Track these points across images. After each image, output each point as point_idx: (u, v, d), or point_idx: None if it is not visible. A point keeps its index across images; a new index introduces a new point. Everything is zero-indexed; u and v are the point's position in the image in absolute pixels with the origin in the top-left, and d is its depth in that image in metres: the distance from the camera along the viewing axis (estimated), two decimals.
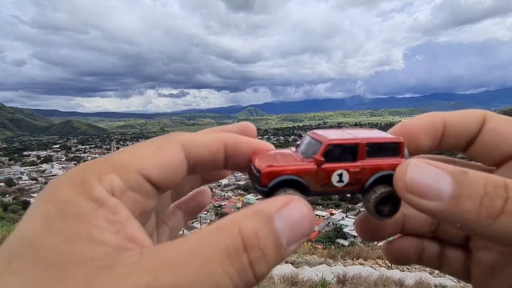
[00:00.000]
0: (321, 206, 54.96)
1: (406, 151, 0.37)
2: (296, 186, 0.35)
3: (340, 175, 0.36)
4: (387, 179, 0.35)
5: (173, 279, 0.22)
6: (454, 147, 0.41)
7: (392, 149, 0.36)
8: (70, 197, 0.25)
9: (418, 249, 0.45)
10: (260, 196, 0.36)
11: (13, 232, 0.25)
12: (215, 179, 0.48)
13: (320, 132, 0.38)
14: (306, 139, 0.39)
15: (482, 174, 0.31)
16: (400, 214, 0.41)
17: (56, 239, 0.23)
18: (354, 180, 0.36)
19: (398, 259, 0.45)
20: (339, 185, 0.36)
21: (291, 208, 0.28)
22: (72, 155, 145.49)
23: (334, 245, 9.76)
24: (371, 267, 6.20)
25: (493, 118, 0.38)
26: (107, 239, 0.24)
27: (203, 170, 0.36)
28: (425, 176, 0.31)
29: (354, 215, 49.23)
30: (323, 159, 0.35)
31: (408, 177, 0.32)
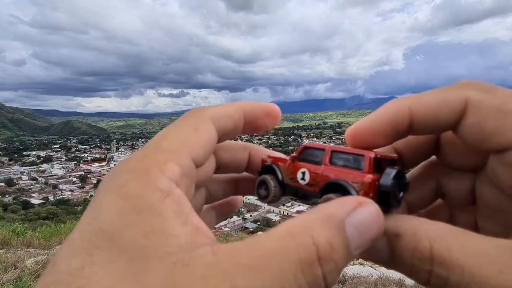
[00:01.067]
0: None
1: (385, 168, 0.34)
2: (273, 174, 0.42)
3: (303, 173, 0.39)
4: (340, 189, 0.35)
5: (249, 285, 0.23)
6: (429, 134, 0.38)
7: (358, 162, 0.35)
8: (139, 191, 0.26)
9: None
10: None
11: (84, 224, 0.26)
12: (248, 192, 0.50)
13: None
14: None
15: (413, 240, 0.29)
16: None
17: (134, 232, 0.24)
18: (314, 182, 0.38)
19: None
20: (302, 182, 0.39)
21: (362, 212, 0.28)
22: (72, 155, 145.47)
23: None
24: (371, 267, 6.20)
25: (477, 109, 0.32)
26: (178, 231, 0.25)
27: (226, 138, 0.39)
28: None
29: None
30: (296, 155, 0.41)
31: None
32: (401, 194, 0.34)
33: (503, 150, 0.31)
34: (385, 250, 0.31)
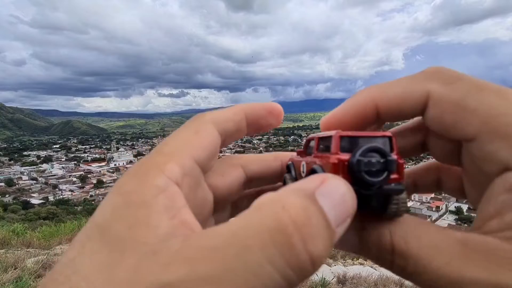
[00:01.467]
0: None
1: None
2: (289, 171, 0.43)
3: (303, 166, 0.38)
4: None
5: (208, 270, 0.21)
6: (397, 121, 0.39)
7: (330, 144, 0.33)
8: (134, 187, 0.27)
9: None
10: None
11: (89, 220, 0.28)
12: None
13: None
14: None
15: (376, 233, 0.31)
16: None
17: (120, 225, 0.25)
18: (308, 173, 0.36)
19: None
20: (303, 175, 0.38)
21: (330, 185, 0.27)
22: (72, 155, 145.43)
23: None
24: (371, 267, 6.20)
25: (437, 103, 0.33)
26: (161, 224, 0.25)
27: (231, 140, 0.38)
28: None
29: None
30: (302, 149, 0.41)
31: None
32: (384, 173, 0.30)
33: (464, 141, 0.33)
34: (355, 240, 0.32)
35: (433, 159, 0.41)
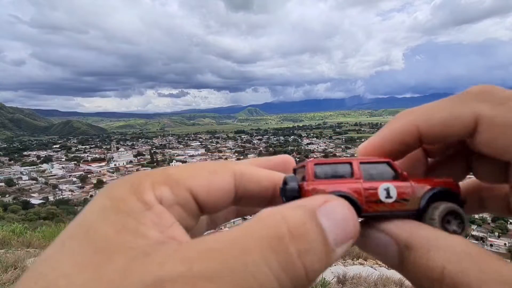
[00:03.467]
0: None
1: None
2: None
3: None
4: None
5: (206, 268, 0.22)
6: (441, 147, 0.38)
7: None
8: (124, 196, 0.28)
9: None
10: None
11: (72, 220, 0.28)
12: (249, 212, 0.47)
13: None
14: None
15: (425, 257, 0.28)
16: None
17: (108, 228, 0.25)
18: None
19: None
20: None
21: (333, 206, 0.27)
22: (72, 155, 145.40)
23: None
24: (371, 267, 6.20)
25: (489, 126, 0.31)
26: (151, 234, 0.25)
27: (248, 203, 0.36)
28: (375, 243, 0.30)
29: None
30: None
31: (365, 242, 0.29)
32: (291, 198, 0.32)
33: None
34: (395, 257, 0.30)
35: (473, 179, 0.39)
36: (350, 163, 0.35)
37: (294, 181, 0.34)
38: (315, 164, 0.35)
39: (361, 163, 0.35)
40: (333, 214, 0.26)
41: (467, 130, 0.32)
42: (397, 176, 0.34)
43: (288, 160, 0.41)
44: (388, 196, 0.34)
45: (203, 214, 0.33)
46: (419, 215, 0.34)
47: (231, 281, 0.21)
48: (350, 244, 0.27)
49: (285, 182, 0.35)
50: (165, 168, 0.32)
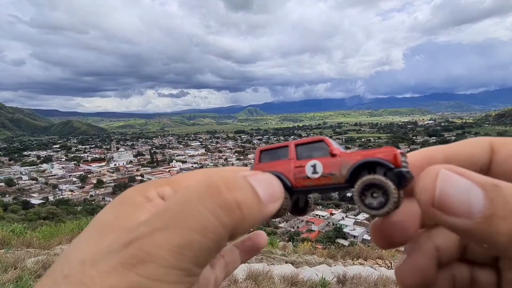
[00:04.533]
0: (321, 206, 54.91)
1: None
2: None
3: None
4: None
5: (160, 222, 0.29)
6: None
7: None
8: (131, 194, 0.36)
9: (430, 272, 0.37)
10: None
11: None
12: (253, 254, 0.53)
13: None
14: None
15: None
16: (417, 215, 0.38)
17: (110, 215, 0.34)
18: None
19: (412, 282, 0.37)
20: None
21: (260, 175, 0.34)
22: (72, 155, 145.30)
23: (334, 245, 9.75)
24: (371, 267, 6.19)
25: (503, 146, 0.34)
26: (144, 217, 0.32)
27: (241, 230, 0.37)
28: (455, 190, 0.28)
29: (354, 215, 49.24)
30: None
31: (437, 191, 0.29)
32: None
33: None
34: (480, 202, 0.28)
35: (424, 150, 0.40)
36: (287, 146, 0.41)
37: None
38: (261, 151, 0.43)
39: (296, 145, 0.40)
40: (261, 180, 0.33)
41: (486, 152, 0.35)
42: (328, 153, 0.37)
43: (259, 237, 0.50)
44: (315, 171, 0.38)
45: None
46: (352, 187, 0.36)
47: (178, 226, 0.28)
48: (278, 204, 0.33)
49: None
50: (173, 176, 0.40)
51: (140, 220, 0.31)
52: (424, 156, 0.37)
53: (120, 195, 0.37)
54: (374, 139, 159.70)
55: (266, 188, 0.32)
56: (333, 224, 46.68)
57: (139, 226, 0.29)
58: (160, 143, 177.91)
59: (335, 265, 6.15)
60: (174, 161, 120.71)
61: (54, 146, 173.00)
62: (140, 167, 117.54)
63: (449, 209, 0.28)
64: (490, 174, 0.32)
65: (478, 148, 0.35)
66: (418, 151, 0.38)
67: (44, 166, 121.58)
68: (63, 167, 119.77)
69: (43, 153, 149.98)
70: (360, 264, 6.56)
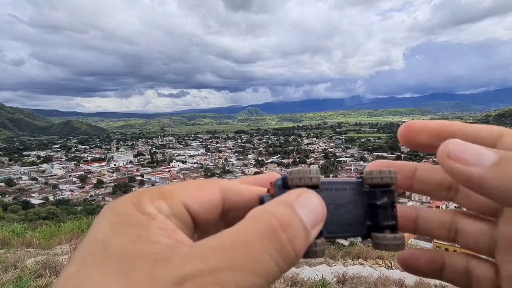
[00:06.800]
0: None
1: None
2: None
3: None
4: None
5: (220, 261, 0.27)
6: None
7: None
8: (129, 211, 0.31)
9: (432, 260, 0.41)
10: None
11: (85, 238, 0.30)
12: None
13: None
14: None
15: None
16: (414, 213, 0.42)
17: (123, 240, 0.29)
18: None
19: (409, 268, 0.42)
20: None
21: (304, 198, 0.33)
22: (72, 155, 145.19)
23: (334, 245, 9.73)
24: (371, 267, 6.21)
25: (510, 135, 0.36)
26: (162, 240, 0.30)
27: (235, 216, 0.39)
28: (468, 146, 0.33)
29: None
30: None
31: (451, 146, 0.33)
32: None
33: None
34: (490, 154, 0.32)
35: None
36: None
37: (269, 199, 0.37)
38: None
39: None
40: (306, 204, 0.33)
41: (495, 134, 0.36)
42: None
43: (274, 176, 0.45)
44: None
45: (197, 228, 0.36)
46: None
47: (243, 270, 0.27)
48: (321, 225, 0.34)
49: (261, 201, 0.38)
50: (159, 186, 0.36)
51: (160, 245, 0.29)
52: (438, 124, 0.39)
53: (112, 209, 0.32)
54: (374, 139, 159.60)
55: (312, 213, 0.33)
56: None
57: (190, 261, 0.27)
58: (160, 143, 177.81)
59: (335, 265, 6.16)
60: (174, 161, 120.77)
61: (54, 146, 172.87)
62: (140, 167, 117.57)
63: (463, 159, 0.32)
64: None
65: (489, 131, 0.37)
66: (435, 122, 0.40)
67: (44, 166, 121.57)
68: (63, 167, 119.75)
69: (43, 153, 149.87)
70: (360, 264, 6.57)
